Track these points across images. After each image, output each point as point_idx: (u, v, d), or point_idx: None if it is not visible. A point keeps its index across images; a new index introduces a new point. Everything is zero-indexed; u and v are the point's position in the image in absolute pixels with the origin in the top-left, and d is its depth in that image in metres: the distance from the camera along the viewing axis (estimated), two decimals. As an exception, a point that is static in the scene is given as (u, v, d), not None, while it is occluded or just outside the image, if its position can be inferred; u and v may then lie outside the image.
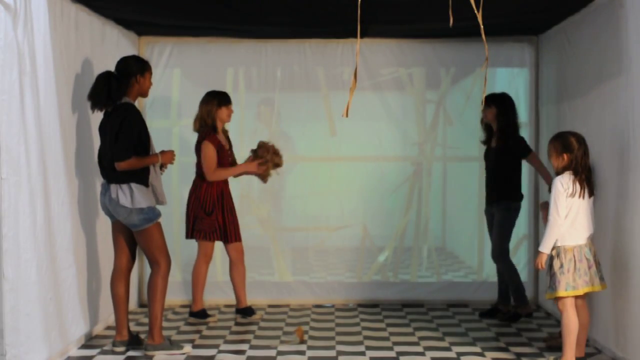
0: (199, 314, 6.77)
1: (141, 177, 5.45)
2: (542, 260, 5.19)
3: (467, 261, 8.30)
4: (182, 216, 7.52)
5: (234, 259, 6.81)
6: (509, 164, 6.63)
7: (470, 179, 7.73)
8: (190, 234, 6.73)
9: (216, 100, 6.66)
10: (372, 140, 7.75)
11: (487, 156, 6.80)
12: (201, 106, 6.69)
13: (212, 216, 6.62)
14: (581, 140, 5.21)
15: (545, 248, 5.17)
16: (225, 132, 6.82)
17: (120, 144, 5.38)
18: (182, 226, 7.53)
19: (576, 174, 5.13)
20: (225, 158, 6.70)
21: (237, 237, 6.77)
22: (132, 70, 5.54)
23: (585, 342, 5.33)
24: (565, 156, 5.17)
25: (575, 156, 5.14)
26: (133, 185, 5.42)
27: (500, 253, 6.66)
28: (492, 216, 6.75)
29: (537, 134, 7.37)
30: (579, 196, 5.11)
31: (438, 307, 7.36)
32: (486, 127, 6.80)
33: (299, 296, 7.61)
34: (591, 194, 5.19)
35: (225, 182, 6.75)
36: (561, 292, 5.10)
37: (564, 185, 5.11)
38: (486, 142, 6.84)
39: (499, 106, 6.64)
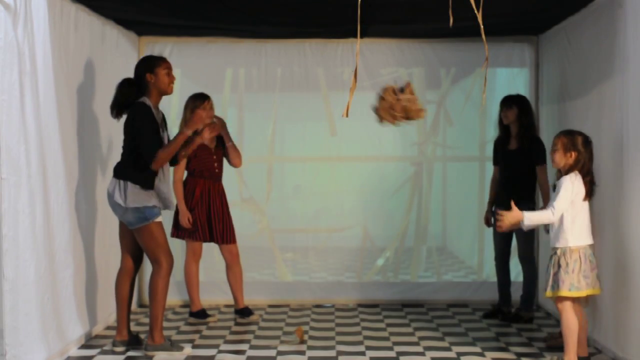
0: (199, 314, 6.77)
1: (141, 178, 5.43)
2: (513, 218, 5.09)
3: (467, 261, 8.30)
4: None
5: (229, 261, 6.81)
6: (530, 165, 6.58)
7: (470, 179, 7.73)
8: (174, 233, 6.70)
9: (191, 104, 6.63)
10: (372, 140, 7.75)
11: (505, 158, 6.70)
12: (184, 111, 6.70)
13: (194, 214, 6.62)
14: (589, 142, 5.21)
15: (527, 219, 5.11)
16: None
17: (142, 145, 5.38)
18: (182, 226, 7.56)
19: (584, 176, 5.14)
20: (208, 156, 6.67)
21: (228, 239, 6.74)
22: (141, 71, 5.54)
23: (586, 342, 5.33)
24: (573, 154, 5.15)
25: (584, 157, 5.14)
26: (130, 184, 5.41)
27: (530, 254, 6.65)
28: None
29: (537, 134, 7.37)
30: (584, 199, 5.13)
31: (438, 307, 7.36)
32: (504, 128, 6.72)
33: (299, 296, 7.60)
34: (592, 195, 5.20)
35: (215, 181, 6.72)
36: (564, 292, 5.09)
37: (576, 187, 5.09)
38: (501, 143, 6.77)
39: (521, 106, 6.61)
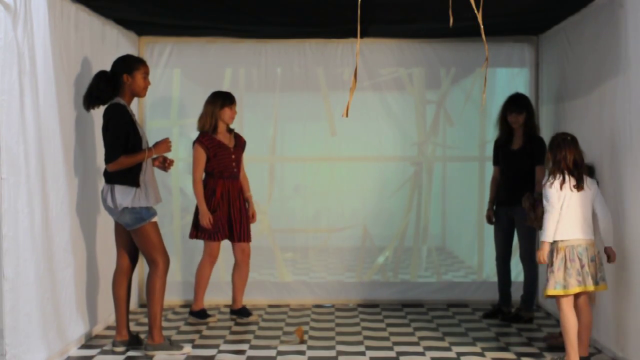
0: (199, 314, 6.77)
1: (127, 177, 5.42)
2: (544, 251, 5.17)
3: (467, 261, 8.30)
4: (181, 214, 7.59)
5: (239, 260, 6.80)
6: (532, 165, 6.58)
7: (470, 179, 7.73)
8: (194, 234, 6.71)
9: (219, 101, 6.66)
10: (372, 140, 7.75)
11: (507, 157, 6.71)
12: (206, 105, 6.70)
13: (216, 215, 6.61)
14: (565, 138, 5.22)
15: (545, 236, 5.15)
16: (231, 131, 6.79)
17: (107, 145, 5.40)
18: (182, 225, 7.56)
19: (557, 168, 5.16)
20: (227, 156, 6.66)
21: (245, 237, 6.74)
22: (118, 70, 5.53)
23: (588, 342, 5.32)
24: (549, 155, 5.25)
25: (557, 153, 5.17)
26: (117, 186, 5.41)
27: (531, 254, 6.64)
28: (508, 218, 6.69)
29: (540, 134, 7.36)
30: (559, 187, 5.11)
31: (438, 307, 7.36)
32: (506, 128, 6.72)
33: (299, 296, 7.61)
34: (578, 187, 5.15)
35: (234, 180, 6.72)
36: (550, 291, 5.14)
37: (549, 178, 5.17)
38: (504, 143, 6.76)
39: (529, 109, 6.64)
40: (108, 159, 5.38)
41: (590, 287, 5.14)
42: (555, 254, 5.15)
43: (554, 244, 5.16)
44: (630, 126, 5.12)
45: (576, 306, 5.19)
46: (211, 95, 6.72)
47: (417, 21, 6.71)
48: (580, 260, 5.11)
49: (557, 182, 5.13)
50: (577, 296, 5.19)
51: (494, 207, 6.87)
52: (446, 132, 7.85)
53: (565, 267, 5.11)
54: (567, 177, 5.14)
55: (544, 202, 5.19)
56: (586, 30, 6.05)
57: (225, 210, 6.64)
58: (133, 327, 6.23)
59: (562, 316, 5.15)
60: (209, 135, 6.62)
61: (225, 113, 6.65)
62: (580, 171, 5.18)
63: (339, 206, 7.86)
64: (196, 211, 6.66)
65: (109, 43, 6.60)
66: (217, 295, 7.45)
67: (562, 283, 5.11)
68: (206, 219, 6.55)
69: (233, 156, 6.70)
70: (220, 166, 6.62)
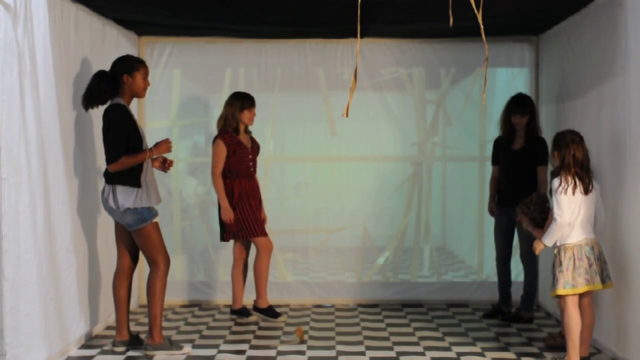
0: (269, 311, 6.75)
1: (128, 178, 5.42)
2: (538, 247, 5.25)
3: (467, 261, 8.30)
4: (181, 214, 7.59)
5: (237, 257, 6.82)
6: (534, 164, 6.58)
7: (470, 179, 7.73)
8: (222, 236, 6.72)
9: (239, 103, 6.66)
10: (372, 140, 7.75)
11: (509, 157, 6.70)
12: (226, 107, 6.70)
13: (236, 214, 6.61)
14: (574, 138, 5.18)
15: (546, 240, 5.17)
16: (249, 133, 6.80)
17: (108, 146, 5.40)
18: (182, 226, 7.56)
19: (568, 170, 5.12)
20: (245, 155, 6.67)
21: (264, 232, 6.77)
22: (118, 70, 5.53)
23: (589, 342, 5.32)
24: (556, 153, 5.19)
25: (568, 154, 5.12)
26: (118, 187, 5.41)
27: (531, 254, 6.62)
28: (508, 218, 6.68)
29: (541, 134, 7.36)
30: (572, 192, 5.09)
31: (438, 307, 7.36)
32: (508, 128, 6.71)
33: (299, 296, 7.61)
34: (586, 191, 5.13)
35: (250, 179, 6.71)
36: (560, 290, 5.11)
37: (562, 183, 5.11)
38: (505, 142, 6.75)
39: (533, 110, 6.65)
40: (109, 160, 5.38)
41: (598, 285, 5.13)
42: (563, 254, 5.13)
43: (560, 245, 5.15)
44: (630, 126, 5.12)
45: (580, 306, 5.18)
46: (231, 97, 6.73)
47: (417, 21, 6.71)
48: (588, 259, 5.11)
49: (569, 189, 5.09)
50: (581, 296, 5.19)
51: (496, 199, 6.86)
52: (446, 132, 7.85)
53: (574, 267, 5.10)
54: (577, 181, 5.11)
55: (554, 208, 5.12)
56: (586, 30, 6.05)
57: (248, 209, 6.63)
58: (133, 327, 6.23)
59: (567, 316, 5.13)
60: (230, 132, 6.63)
61: (245, 115, 6.66)
62: (589, 173, 5.16)
63: (339, 206, 7.86)
64: (219, 212, 6.66)
65: (109, 43, 6.60)
66: (217, 295, 7.45)
67: (571, 282, 5.10)
68: (228, 215, 6.55)
69: (250, 156, 6.71)
70: (238, 165, 6.62)
